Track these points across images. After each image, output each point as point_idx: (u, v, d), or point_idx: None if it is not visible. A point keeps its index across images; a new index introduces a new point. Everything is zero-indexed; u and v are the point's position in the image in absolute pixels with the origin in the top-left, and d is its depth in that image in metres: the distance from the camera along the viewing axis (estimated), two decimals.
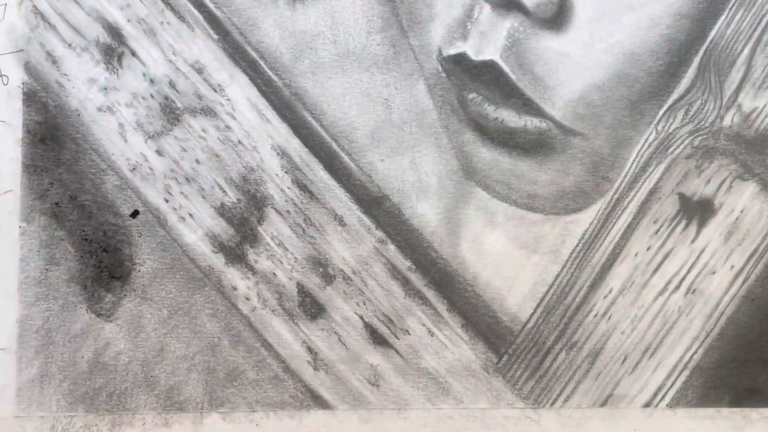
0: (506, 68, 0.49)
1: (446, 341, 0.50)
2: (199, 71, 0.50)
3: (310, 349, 0.50)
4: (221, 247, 0.50)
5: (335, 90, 0.51)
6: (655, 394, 0.50)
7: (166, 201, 0.50)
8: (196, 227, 0.50)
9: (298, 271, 0.50)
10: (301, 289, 0.50)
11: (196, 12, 0.51)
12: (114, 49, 0.50)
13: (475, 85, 0.50)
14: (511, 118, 0.49)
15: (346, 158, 0.50)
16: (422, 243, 0.50)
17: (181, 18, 0.50)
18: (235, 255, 0.50)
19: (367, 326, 0.50)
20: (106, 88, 0.50)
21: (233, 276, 0.50)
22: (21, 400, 0.50)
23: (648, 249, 0.50)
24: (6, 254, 0.50)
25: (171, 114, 0.50)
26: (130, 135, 0.50)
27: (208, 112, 0.50)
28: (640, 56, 0.49)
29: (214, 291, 0.50)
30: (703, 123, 0.50)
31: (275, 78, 0.50)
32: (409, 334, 0.50)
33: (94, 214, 0.50)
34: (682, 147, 0.50)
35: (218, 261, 0.50)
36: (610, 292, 0.50)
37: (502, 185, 0.50)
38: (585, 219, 0.50)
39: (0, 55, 0.51)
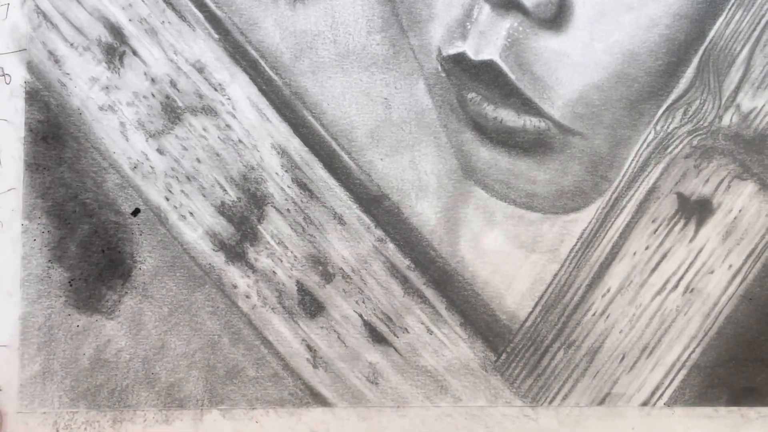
0: (505, 68, 0.49)
1: (445, 339, 0.50)
2: (200, 70, 0.51)
3: (309, 347, 0.50)
4: (221, 245, 0.51)
5: (335, 89, 0.51)
6: (653, 393, 0.50)
7: (167, 199, 0.51)
8: (197, 225, 0.51)
9: (297, 269, 0.50)
10: (301, 288, 0.50)
11: (197, 11, 0.51)
12: (115, 49, 0.51)
13: (474, 85, 0.50)
14: (510, 117, 0.49)
15: (345, 157, 0.51)
16: (421, 242, 0.51)
17: (182, 17, 0.51)
18: (235, 253, 0.50)
19: (366, 324, 0.50)
20: (107, 87, 0.51)
21: (233, 274, 0.50)
22: (24, 396, 0.50)
23: (646, 248, 0.50)
24: (8, 252, 0.50)
25: (172, 113, 0.51)
26: (132, 134, 0.51)
27: (209, 111, 0.51)
28: (639, 56, 0.49)
29: (215, 289, 0.50)
30: (701, 123, 0.50)
31: (275, 77, 0.51)
32: (408, 332, 0.50)
33: (96, 212, 0.51)
34: (680, 146, 0.50)
35: (218, 259, 0.50)
36: (609, 291, 0.50)
37: (501, 184, 0.50)
38: (584, 218, 0.50)
39: (3, 54, 0.51)
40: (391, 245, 0.51)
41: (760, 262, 0.50)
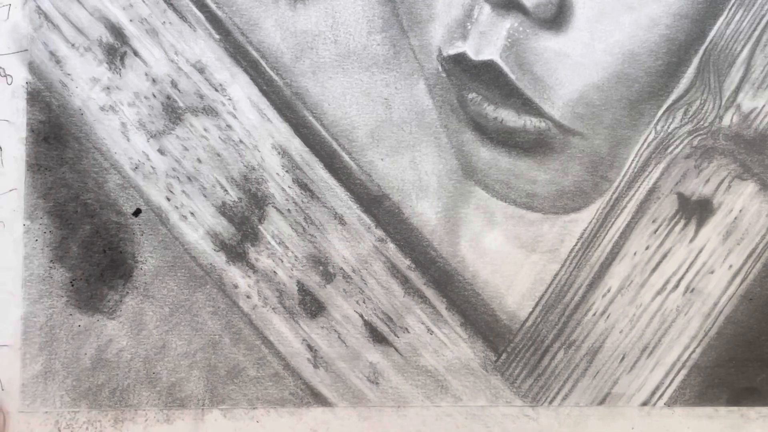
0: (506, 68, 0.49)
1: (445, 339, 0.50)
2: (201, 71, 0.51)
3: (310, 347, 0.50)
4: (222, 245, 0.51)
5: (336, 89, 0.51)
6: (653, 393, 0.50)
7: (168, 200, 0.51)
8: (198, 226, 0.51)
9: (298, 269, 0.51)
10: (302, 288, 0.51)
11: (197, 12, 0.51)
12: (116, 49, 0.51)
13: (474, 85, 0.50)
14: (510, 117, 0.49)
15: (346, 157, 0.51)
16: (422, 242, 0.51)
17: (182, 18, 0.51)
18: (236, 253, 0.51)
19: (367, 324, 0.50)
20: (108, 88, 0.51)
21: (234, 274, 0.51)
22: (25, 396, 0.50)
23: (647, 248, 0.50)
24: (10, 252, 0.51)
25: (173, 113, 0.51)
26: (133, 134, 0.51)
27: (210, 111, 0.51)
28: (639, 56, 0.49)
29: (215, 289, 0.51)
30: (702, 123, 0.50)
31: (276, 77, 0.51)
32: (409, 332, 0.50)
33: (97, 212, 0.51)
34: (681, 147, 0.50)
35: (219, 259, 0.51)
36: (609, 291, 0.50)
37: (502, 184, 0.51)
38: (584, 218, 0.50)
39: (4, 54, 0.51)
40: (391, 245, 0.51)
41: (760, 262, 0.50)
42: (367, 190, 0.51)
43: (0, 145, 0.51)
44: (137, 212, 0.51)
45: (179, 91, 0.51)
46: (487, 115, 0.50)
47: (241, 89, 0.51)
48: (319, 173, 0.51)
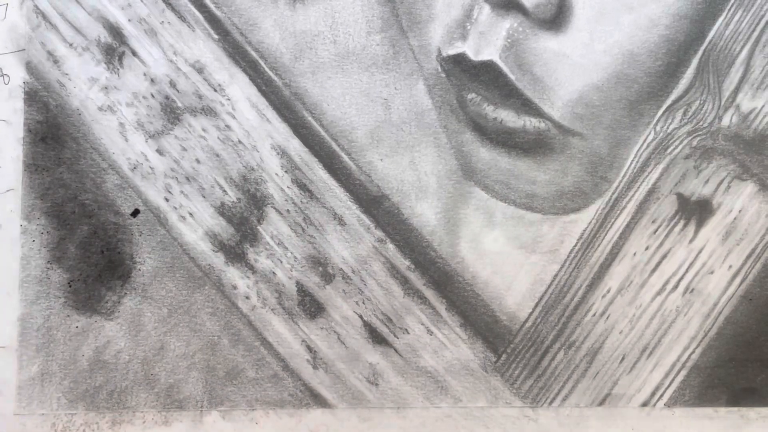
0: (505, 68, 0.49)
1: (445, 340, 0.50)
2: (200, 71, 0.51)
3: (309, 348, 0.50)
4: (221, 246, 0.50)
5: (335, 90, 0.51)
6: (653, 394, 0.50)
7: (167, 200, 0.51)
8: (197, 226, 0.50)
9: (297, 270, 0.50)
10: (301, 288, 0.50)
11: (196, 12, 0.51)
12: (115, 49, 0.51)
13: (474, 86, 0.50)
14: (510, 118, 0.49)
15: (345, 158, 0.51)
16: (421, 242, 0.50)
17: (181, 18, 0.51)
18: (234, 254, 0.50)
19: (366, 325, 0.50)
20: (106, 88, 0.51)
21: (233, 275, 0.50)
22: (22, 398, 0.50)
23: (646, 249, 0.50)
24: (7, 253, 0.50)
25: (171, 113, 0.51)
26: (131, 134, 0.51)
27: (209, 111, 0.51)
28: (638, 57, 0.49)
29: (214, 290, 0.50)
30: (701, 123, 0.50)
31: (275, 78, 0.51)
32: (408, 333, 0.50)
33: (95, 213, 0.51)
34: (680, 147, 0.50)
35: (218, 260, 0.50)
36: (609, 291, 0.50)
37: (501, 185, 0.50)
38: (583, 219, 0.50)
39: (1, 54, 0.51)
40: (391, 246, 0.50)
41: (759, 262, 0.50)
42: (367, 191, 0.51)
43: None
44: (135, 213, 0.51)
45: (178, 91, 0.51)
46: (486, 116, 0.50)
47: (240, 89, 0.51)
48: (318, 174, 0.51)
